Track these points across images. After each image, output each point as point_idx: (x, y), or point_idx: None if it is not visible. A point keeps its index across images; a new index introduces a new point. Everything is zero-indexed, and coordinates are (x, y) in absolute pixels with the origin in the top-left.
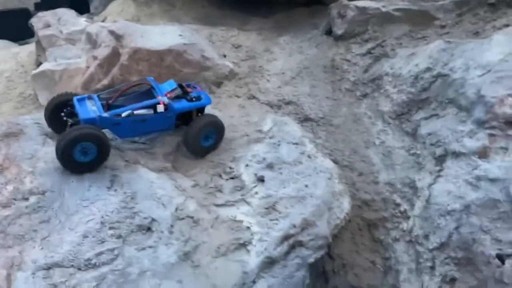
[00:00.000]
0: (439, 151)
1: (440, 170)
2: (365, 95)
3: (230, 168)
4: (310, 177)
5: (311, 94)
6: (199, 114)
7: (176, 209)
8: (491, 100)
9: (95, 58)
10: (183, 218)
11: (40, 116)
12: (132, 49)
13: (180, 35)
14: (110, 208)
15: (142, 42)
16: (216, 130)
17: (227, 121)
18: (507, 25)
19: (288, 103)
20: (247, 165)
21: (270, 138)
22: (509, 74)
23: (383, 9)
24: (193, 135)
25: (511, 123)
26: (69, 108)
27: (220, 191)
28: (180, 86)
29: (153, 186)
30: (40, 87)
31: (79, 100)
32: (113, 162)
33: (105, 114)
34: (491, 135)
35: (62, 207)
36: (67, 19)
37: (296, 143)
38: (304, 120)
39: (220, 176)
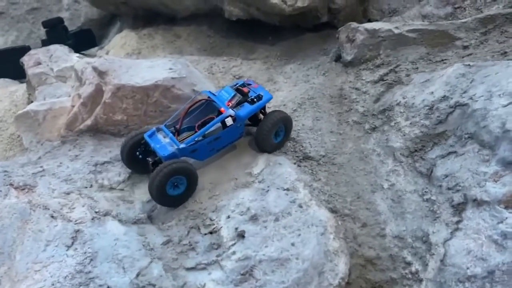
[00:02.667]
0: (457, 198)
1: (458, 222)
2: (374, 129)
3: (211, 219)
4: (299, 233)
5: (314, 128)
6: (262, 111)
7: (138, 275)
8: None
9: (79, 96)
10: (143, 287)
11: (10, 163)
12: (115, 86)
13: (171, 69)
14: (65, 272)
15: (126, 78)
16: (284, 125)
17: (216, 162)
18: None
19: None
20: (228, 217)
21: (260, 182)
22: None
23: (396, 31)
24: (265, 135)
25: None
26: (142, 147)
27: (194, 249)
28: (237, 90)
29: (117, 244)
30: (23, 129)
31: (150, 136)
32: (80, 215)
33: (183, 145)
34: None
35: (9, 273)
36: (59, 56)
37: (287, 189)
38: (303, 159)
39: (199, 229)
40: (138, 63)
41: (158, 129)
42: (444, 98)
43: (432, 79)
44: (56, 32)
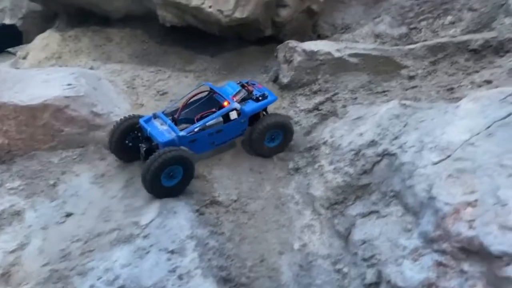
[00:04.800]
0: (370, 275)
1: None
2: (297, 170)
3: (73, 286)
4: None
5: (231, 164)
6: (264, 113)
7: None
8: (444, 208)
9: None
10: None
11: None
12: None
13: (69, 85)
14: None
15: (9, 94)
16: (282, 131)
17: (104, 203)
18: (488, 82)
19: (196, 177)
20: (92, 287)
21: (144, 238)
22: (474, 166)
23: (336, 54)
24: (257, 136)
25: (468, 251)
26: (133, 133)
27: None
28: (242, 86)
29: None
30: None
31: (147, 121)
32: None
33: (183, 133)
34: (439, 264)
35: None
36: None
37: (172, 251)
38: (210, 203)
39: None
40: (31, 76)
41: (155, 116)
42: (373, 143)
43: (365, 116)
44: None
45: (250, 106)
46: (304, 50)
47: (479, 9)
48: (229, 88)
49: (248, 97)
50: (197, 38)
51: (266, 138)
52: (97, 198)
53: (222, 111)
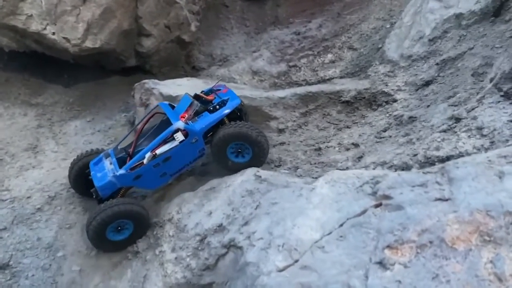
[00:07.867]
0: None
1: None
2: (136, 254)
3: None
4: None
5: (53, 244)
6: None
7: None
8: None
9: None
10: None
11: None
12: None
13: None
14: None
15: None
16: (249, 144)
17: None
18: (356, 145)
19: (1, 268)
20: None
21: None
22: (319, 284)
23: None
24: (216, 150)
25: None
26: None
27: None
28: (197, 97)
29: None
30: None
31: (96, 163)
32: None
33: (121, 172)
34: None
35: None
36: None
37: None
38: None
39: None
40: None
41: (106, 155)
42: (220, 228)
43: (219, 188)
44: None
45: (202, 122)
46: (161, 94)
47: (359, 49)
48: (182, 104)
49: (204, 109)
50: (49, 64)
51: (229, 152)
52: None
53: (161, 136)
